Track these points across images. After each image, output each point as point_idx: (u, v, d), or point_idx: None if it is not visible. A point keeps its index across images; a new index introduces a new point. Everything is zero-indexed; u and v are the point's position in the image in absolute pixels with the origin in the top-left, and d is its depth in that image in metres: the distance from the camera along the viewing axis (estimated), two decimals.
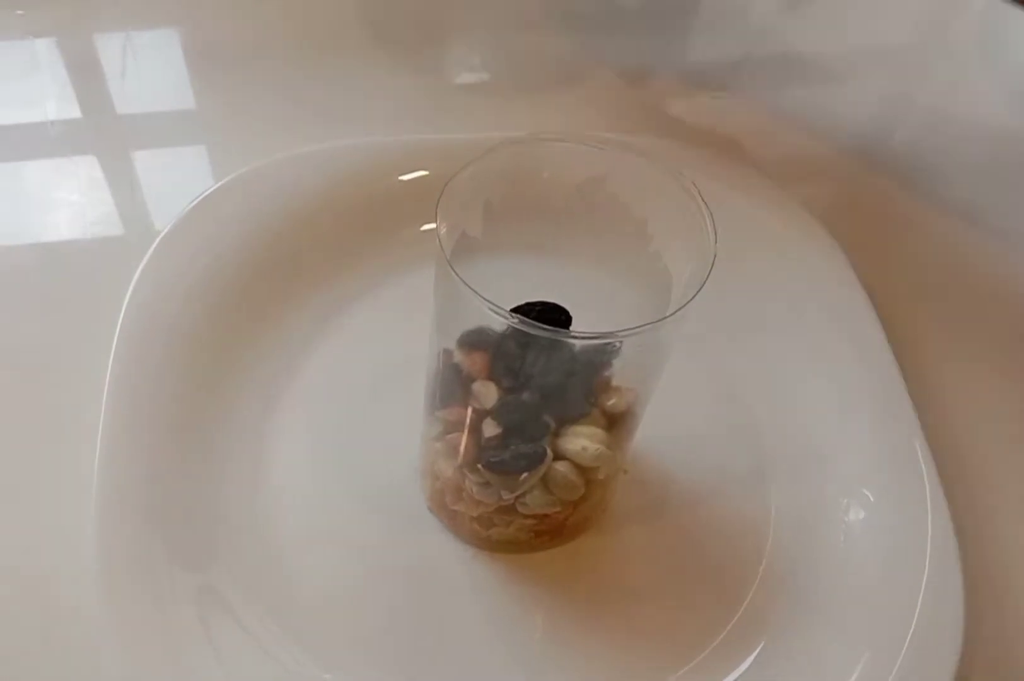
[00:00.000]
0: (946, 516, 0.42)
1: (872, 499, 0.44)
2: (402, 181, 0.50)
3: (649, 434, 0.42)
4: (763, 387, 0.48)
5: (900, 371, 0.46)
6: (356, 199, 0.50)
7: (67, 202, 0.55)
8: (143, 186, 0.57)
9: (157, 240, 0.48)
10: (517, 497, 0.39)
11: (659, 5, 0.68)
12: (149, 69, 0.62)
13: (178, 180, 0.56)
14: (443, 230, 0.33)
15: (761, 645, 0.41)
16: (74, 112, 0.59)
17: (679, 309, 0.31)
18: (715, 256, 0.32)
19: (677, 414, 0.45)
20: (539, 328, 0.32)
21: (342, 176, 0.50)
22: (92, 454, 0.41)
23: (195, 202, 0.49)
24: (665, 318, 0.31)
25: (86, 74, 0.61)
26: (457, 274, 0.32)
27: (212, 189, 0.49)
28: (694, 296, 0.31)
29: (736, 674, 0.41)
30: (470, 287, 0.32)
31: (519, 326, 0.32)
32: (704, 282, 0.32)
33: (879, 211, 0.58)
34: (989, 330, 0.53)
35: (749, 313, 0.49)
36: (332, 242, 0.49)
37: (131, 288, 0.46)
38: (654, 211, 0.34)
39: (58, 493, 0.43)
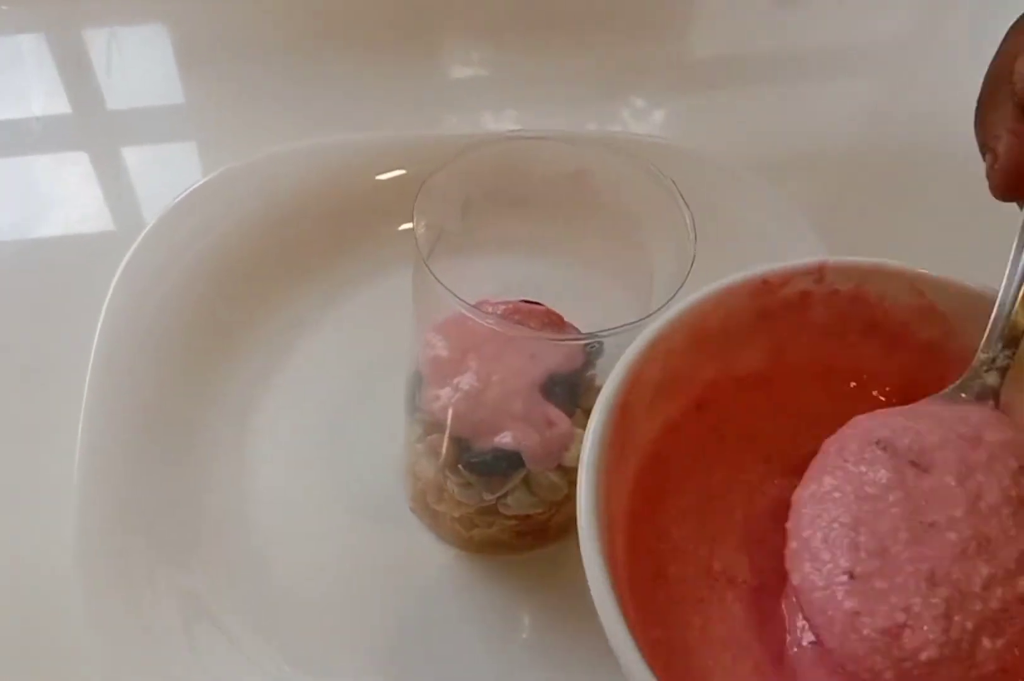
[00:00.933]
0: None
1: None
2: (380, 180, 0.50)
3: None
4: None
5: None
6: (336, 197, 0.49)
7: (54, 197, 0.55)
8: (130, 182, 0.56)
9: (140, 235, 0.47)
10: (499, 498, 0.39)
11: (651, 4, 0.67)
12: (135, 65, 0.61)
13: (165, 176, 0.56)
14: (421, 229, 0.33)
15: None
16: (61, 108, 0.59)
17: (658, 310, 0.31)
18: (694, 256, 0.32)
19: None
20: (516, 330, 0.31)
21: (322, 174, 0.49)
22: (73, 450, 0.41)
23: (178, 199, 0.49)
24: (645, 319, 0.31)
25: (73, 70, 0.61)
26: (433, 274, 0.31)
27: (195, 186, 0.49)
28: (673, 295, 0.31)
29: None
30: (446, 287, 0.31)
31: (496, 327, 0.31)
32: (684, 282, 0.31)
33: (866, 209, 0.58)
34: None
35: None
36: (312, 240, 0.49)
37: (113, 282, 0.45)
38: (633, 208, 0.34)
39: (39, 491, 0.43)
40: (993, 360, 0.29)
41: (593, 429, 0.28)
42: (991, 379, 0.29)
